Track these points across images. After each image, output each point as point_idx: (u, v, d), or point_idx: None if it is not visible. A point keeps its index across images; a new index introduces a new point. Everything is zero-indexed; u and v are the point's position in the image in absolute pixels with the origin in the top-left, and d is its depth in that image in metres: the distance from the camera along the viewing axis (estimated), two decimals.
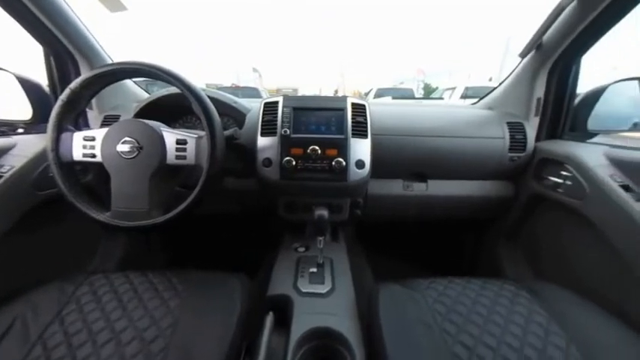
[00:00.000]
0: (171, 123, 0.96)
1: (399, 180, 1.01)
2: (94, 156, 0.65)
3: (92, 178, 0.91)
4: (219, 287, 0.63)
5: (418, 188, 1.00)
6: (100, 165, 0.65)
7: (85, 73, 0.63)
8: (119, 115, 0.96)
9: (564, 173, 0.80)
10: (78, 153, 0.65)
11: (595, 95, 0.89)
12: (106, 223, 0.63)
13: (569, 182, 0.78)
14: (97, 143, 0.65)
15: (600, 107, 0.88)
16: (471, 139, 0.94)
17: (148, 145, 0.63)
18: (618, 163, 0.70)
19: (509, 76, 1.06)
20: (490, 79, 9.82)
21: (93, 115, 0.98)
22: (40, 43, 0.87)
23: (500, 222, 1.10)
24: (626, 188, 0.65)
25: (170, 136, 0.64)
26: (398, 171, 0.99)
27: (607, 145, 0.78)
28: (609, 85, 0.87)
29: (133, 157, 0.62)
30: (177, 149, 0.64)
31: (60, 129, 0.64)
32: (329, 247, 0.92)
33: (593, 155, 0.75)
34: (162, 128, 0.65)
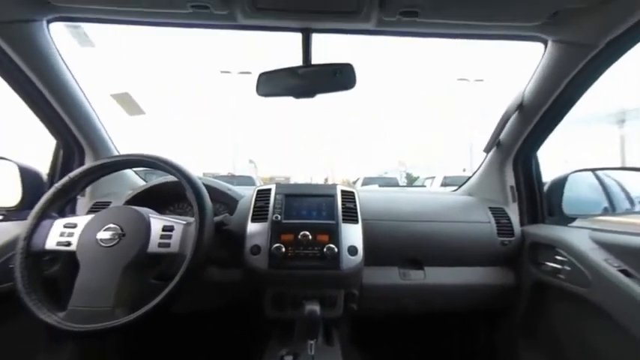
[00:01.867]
0: (161, 210, 0.95)
1: (394, 267, 0.96)
2: (68, 244, 0.61)
3: (58, 270, 0.82)
4: None
5: (415, 276, 0.94)
6: (71, 255, 0.60)
7: (89, 163, 0.67)
8: (110, 202, 0.96)
9: (559, 258, 0.79)
10: (52, 241, 0.61)
11: (559, 183, 0.99)
12: (53, 325, 0.53)
13: (567, 267, 0.77)
14: (77, 231, 0.62)
15: (570, 194, 0.97)
16: (460, 224, 0.96)
17: (132, 232, 0.60)
18: (607, 247, 0.71)
19: (480, 167, 1.19)
20: (464, 170, 10.96)
21: (83, 201, 0.98)
22: (55, 136, 0.95)
23: (511, 315, 1.00)
24: (626, 273, 0.64)
25: (157, 223, 0.63)
26: (392, 257, 0.96)
27: (588, 228, 0.82)
28: (569, 174, 0.98)
29: (112, 245, 0.59)
30: (162, 236, 0.61)
31: (42, 216, 0.63)
32: (322, 352, 0.77)
33: (580, 239, 0.77)
34: (150, 215, 0.65)
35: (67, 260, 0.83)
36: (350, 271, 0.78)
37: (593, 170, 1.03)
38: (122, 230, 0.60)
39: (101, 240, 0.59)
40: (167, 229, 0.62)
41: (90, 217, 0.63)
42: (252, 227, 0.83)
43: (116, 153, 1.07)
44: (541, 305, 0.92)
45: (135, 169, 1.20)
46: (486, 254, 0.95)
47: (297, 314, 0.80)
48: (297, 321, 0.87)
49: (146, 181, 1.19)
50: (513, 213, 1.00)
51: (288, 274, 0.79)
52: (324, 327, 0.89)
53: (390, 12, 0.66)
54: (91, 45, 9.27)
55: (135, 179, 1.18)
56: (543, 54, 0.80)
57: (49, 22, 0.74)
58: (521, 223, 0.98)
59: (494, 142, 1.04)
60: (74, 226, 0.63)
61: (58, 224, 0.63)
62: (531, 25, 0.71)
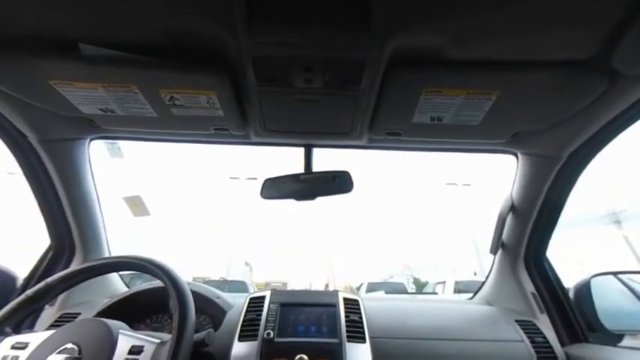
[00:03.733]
0: (136, 323, 0.83)
1: None
2: None
3: None
4: None
5: None
6: None
7: (71, 267, 0.62)
8: (79, 314, 0.84)
9: None
10: None
11: (585, 290, 0.89)
12: None
13: None
14: (25, 354, 0.51)
15: (602, 302, 0.86)
16: (489, 343, 0.81)
17: (90, 355, 0.50)
18: None
19: (491, 270, 1.11)
20: (475, 274, 10.19)
21: (49, 312, 0.86)
22: (51, 236, 0.93)
23: None
24: None
25: (125, 342, 0.53)
26: None
27: None
28: (590, 279, 0.90)
29: None
30: None
31: None
32: None
33: None
34: (121, 330, 0.55)
35: None
36: None
37: (614, 274, 0.96)
38: (80, 353, 0.50)
39: None
40: (135, 351, 0.52)
41: (48, 333, 0.54)
42: (237, 349, 0.69)
43: (108, 256, 1.02)
44: None
45: (121, 272, 1.11)
46: None
47: None
48: None
49: (129, 286, 1.08)
50: (546, 328, 0.85)
51: None
52: None
53: (378, 132, 0.79)
54: (121, 156, 10.61)
55: (117, 285, 1.08)
56: (517, 164, 0.90)
57: (91, 139, 0.88)
58: (561, 343, 0.83)
59: (499, 244, 1.01)
60: (24, 346, 0.52)
61: (6, 345, 0.52)
62: (498, 142, 0.83)
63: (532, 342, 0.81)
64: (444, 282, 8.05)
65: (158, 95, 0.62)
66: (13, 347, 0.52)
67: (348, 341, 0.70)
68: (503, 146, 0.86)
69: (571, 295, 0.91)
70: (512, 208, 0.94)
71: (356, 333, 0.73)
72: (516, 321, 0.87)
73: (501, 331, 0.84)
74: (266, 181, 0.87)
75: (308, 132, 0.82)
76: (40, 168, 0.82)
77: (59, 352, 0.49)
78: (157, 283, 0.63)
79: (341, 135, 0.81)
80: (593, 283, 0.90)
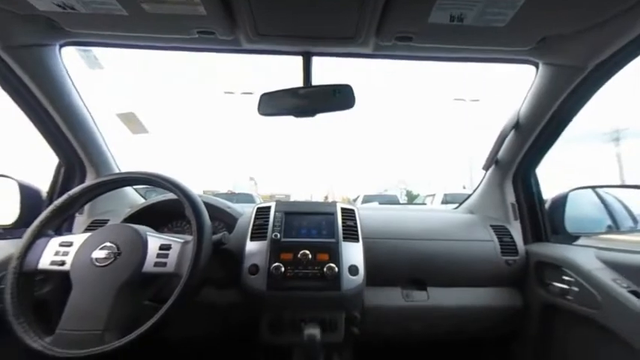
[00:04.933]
0: (159, 228, 0.94)
1: (397, 288, 0.93)
2: (62, 264, 0.60)
3: (50, 291, 0.80)
4: None
5: (419, 297, 0.91)
6: (64, 275, 0.59)
7: (89, 181, 0.67)
8: (107, 220, 0.95)
9: (566, 278, 0.77)
10: (46, 260, 0.60)
11: (560, 201, 0.98)
12: (38, 351, 0.51)
13: (575, 288, 0.75)
14: (73, 249, 0.61)
15: (572, 212, 0.96)
16: (462, 242, 0.95)
17: (128, 251, 0.59)
18: (615, 266, 0.70)
19: (480, 184, 1.19)
20: (464, 187, 10.97)
21: (81, 219, 0.97)
22: (58, 155, 0.96)
23: (521, 341, 0.95)
24: (637, 295, 0.63)
25: (154, 241, 0.62)
26: (394, 278, 0.93)
27: (594, 247, 0.81)
28: (569, 192, 0.98)
29: (107, 265, 0.58)
30: (159, 255, 0.60)
31: (38, 234, 0.62)
32: None
33: (586, 258, 0.76)
34: (148, 233, 0.64)
35: (60, 281, 0.81)
36: (351, 292, 0.76)
37: (593, 188, 1.03)
38: (118, 249, 0.59)
39: (96, 259, 0.58)
40: (164, 247, 0.61)
41: (86, 235, 0.62)
42: (250, 246, 0.82)
43: (117, 171, 1.07)
44: (551, 329, 0.88)
45: (135, 186, 1.20)
46: (491, 274, 0.93)
47: (296, 339, 0.77)
48: (296, 348, 0.82)
49: (146, 199, 1.19)
50: (516, 231, 0.98)
51: (287, 296, 0.76)
52: (324, 354, 0.85)
53: (386, 37, 0.69)
54: (100, 67, 9.64)
55: (134, 197, 1.18)
56: (535, 76, 0.83)
57: (61, 46, 0.78)
58: (525, 242, 0.97)
59: (493, 160, 1.05)
60: (70, 244, 0.62)
61: (54, 243, 0.62)
62: (522, 50, 0.74)
63: (500, 241, 0.94)
64: (433, 194, 8.78)
65: None
66: (61, 245, 0.62)
67: (343, 241, 0.82)
68: (526, 55, 0.77)
69: (547, 205, 1.01)
70: (516, 125, 0.92)
71: (351, 234, 0.85)
72: (491, 225, 0.99)
73: (476, 233, 0.97)
74: (262, 96, 0.82)
75: (306, 36, 0.72)
76: (15, 79, 0.76)
77: (101, 249, 0.59)
78: (171, 195, 0.68)
79: (344, 40, 0.71)
80: (571, 195, 0.97)
